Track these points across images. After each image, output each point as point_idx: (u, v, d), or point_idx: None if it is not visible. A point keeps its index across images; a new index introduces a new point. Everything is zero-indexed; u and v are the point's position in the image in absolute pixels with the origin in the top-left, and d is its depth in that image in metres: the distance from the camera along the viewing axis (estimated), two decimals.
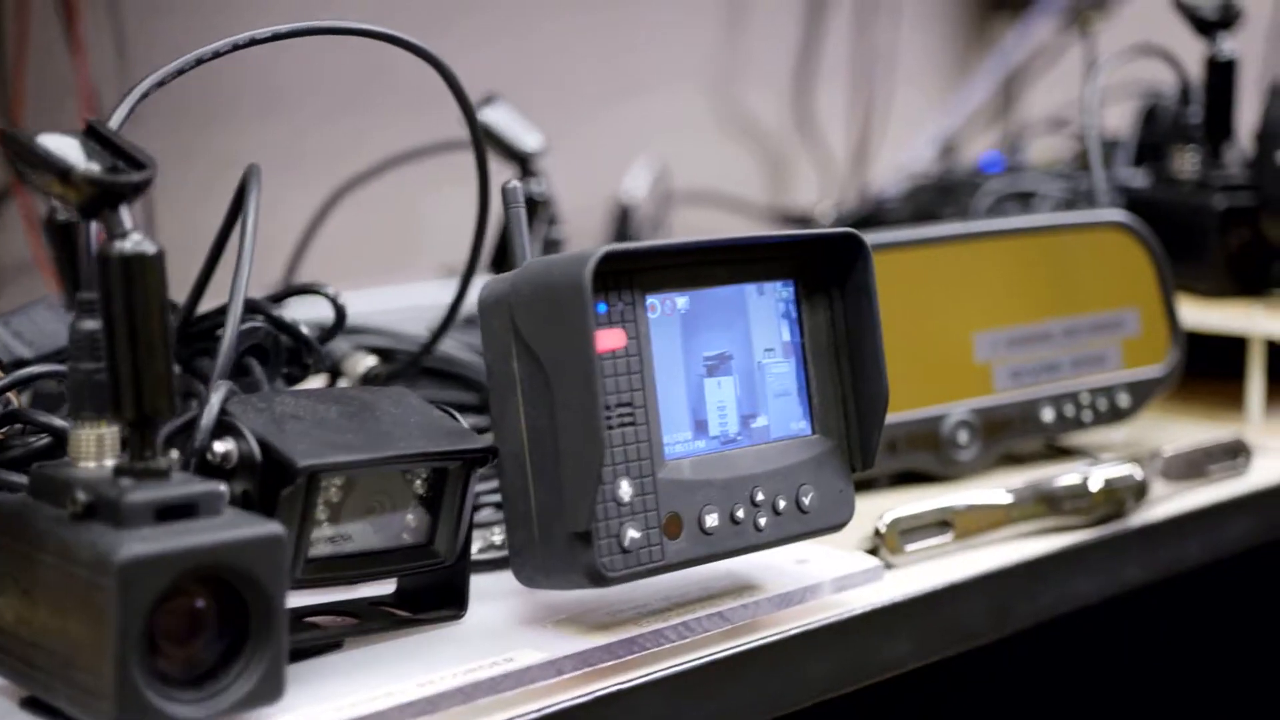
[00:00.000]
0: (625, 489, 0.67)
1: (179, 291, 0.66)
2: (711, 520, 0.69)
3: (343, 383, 0.88)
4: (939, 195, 1.31)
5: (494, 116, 1.05)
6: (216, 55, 0.71)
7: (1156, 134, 1.33)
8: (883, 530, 0.84)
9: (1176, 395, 1.21)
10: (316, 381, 0.86)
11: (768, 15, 1.85)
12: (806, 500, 0.73)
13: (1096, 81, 1.20)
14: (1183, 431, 1.12)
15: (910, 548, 0.85)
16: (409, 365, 0.88)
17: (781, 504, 0.72)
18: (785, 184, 1.90)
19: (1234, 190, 1.17)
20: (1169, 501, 0.97)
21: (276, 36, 0.73)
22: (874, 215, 1.36)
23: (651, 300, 0.69)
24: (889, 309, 0.91)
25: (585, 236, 1.65)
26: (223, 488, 0.57)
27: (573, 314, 0.64)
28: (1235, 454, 1.03)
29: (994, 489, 0.90)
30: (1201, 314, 1.14)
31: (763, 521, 0.71)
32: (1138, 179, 1.29)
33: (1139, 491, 0.93)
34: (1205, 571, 1.01)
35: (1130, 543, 0.93)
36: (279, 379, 0.75)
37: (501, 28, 1.61)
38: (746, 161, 1.87)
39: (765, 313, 0.74)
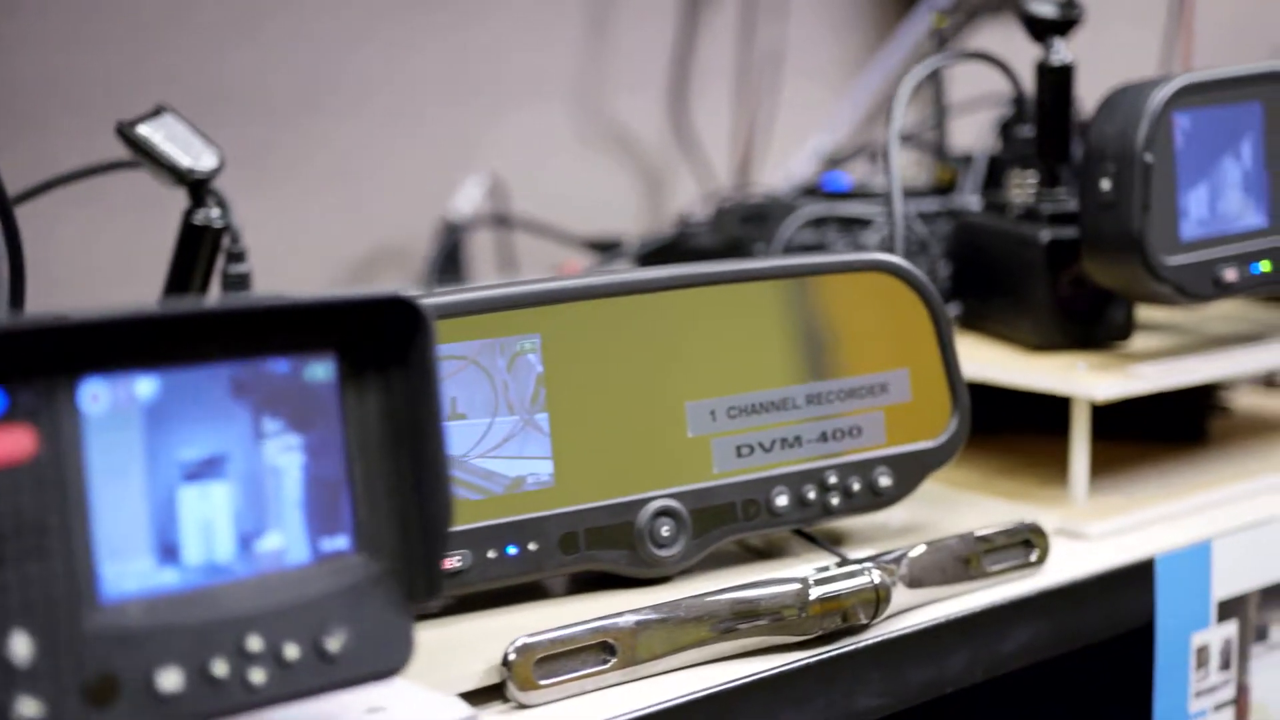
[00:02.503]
0: (21, 646, 0.50)
1: None
2: (170, 681, 0.52)
3: None
4: (747, 221, 1.13)
5: (156, 132, 0.88)
6: None
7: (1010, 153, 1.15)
8: (512, 659, 0.67)
9: (1005, 465, 1.04)
10: None
11: (638, 15, 1.67)
12: (333, 643, 0.56)
13: (905, 90, 1.03)
14: (993, 512, 0.95)
15: (550, 681, 0.68)
16: None
17: (291, 651, 0.55)
18: (664, 200, 1.73)
19: (1065, 221, 1.00)
20: (929, 609, 0.80)
21: None
22: (677, 244, 1.18)
23: (92, 386, 0.52)
24: (571, 372, 0.75)
25: (413, 260, 1.49)
26: None
27: None
28: (1027, 546, 0.85)
29: (680, 598, 0.72)
30: (1015, 370, 0.96)
31: (258, 677, 0.54)
32: (976, 207, 1.12)
33: (875, 600, 0.76)
34: (981, 691, 0.83)
35: (863, 664, 0.76)
36: None
37: (324, 28, 1.45)
38: (618, 176, 1.70)
39: (290, 397, 0.57)
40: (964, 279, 1.07)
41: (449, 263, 1.45)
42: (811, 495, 0.81)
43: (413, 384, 0.57)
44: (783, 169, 1.64)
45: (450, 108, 1.54)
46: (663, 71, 1.69)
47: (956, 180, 1.20)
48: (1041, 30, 1.01)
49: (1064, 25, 1.01)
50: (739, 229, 1.13)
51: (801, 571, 0.76)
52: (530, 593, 0.77)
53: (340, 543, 0.57)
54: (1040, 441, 1.04)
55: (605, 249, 1.30)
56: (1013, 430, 1.10)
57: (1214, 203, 0.96)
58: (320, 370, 0.57)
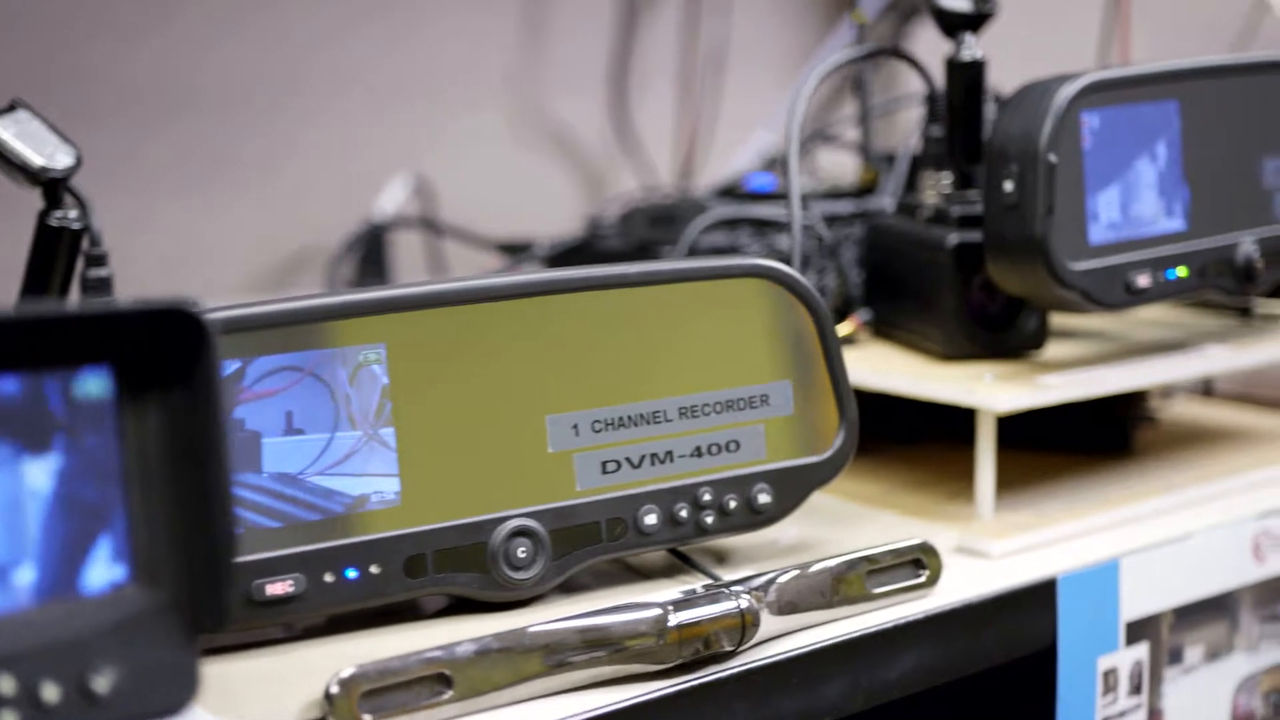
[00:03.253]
0: None
1: None
2: None
3: None
4: (655, 223, 1.09)
5: (7, 129, 0.84)
6: None
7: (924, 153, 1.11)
8: (335, 693, 0.63)
9: (917, 477, 1.00)
10: None
11: (577, 10, 1.63)
12: (101, 682, 0.52)
13: (808, 87, 0.99)
14: (893, 528, 0.91)
15: (377, 717, 0.64)
16: None
17: (50, 693, 0.51)
18: (606, 201, 1.69)
19: (976, 225, 0.95)
20: (805, 635, 0.76)
21: None
22: (586, 246, 1.14)
23: None
24: (420, 385, 0.71)
25: (333, 259, 1.44)
26: None
27: None
28: (917, 566, 0.81)
29: (525, 626, 0.68)
30: (918, 381, 0.92)
31: None
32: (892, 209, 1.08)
33: (741, 627, 0.72)
34: (871, 718, 0.79)
35: (728, 694, 0.72)
36: None
37: (246, 23, 1.41)
38: (558, 177, 1.66)
39: (37, 416, 0.52)
40: (875, 285, 1.03)
41: (372, 265, 1.41)
42: (684, 514, 0.77)
43: (194, 402, 0.53)
44: (726, 167, 1.60)
45: (379, 106, 1.50)
46: (602, 69, 1.65)
47: (879, 181, 1.16)
48: (952, 25, 0.97)
49: (976, 20, 0.97)
50: (648, 231, 1.09)
51: (666, 595, 0.72)
52: (388, 617, 0.73)
53: (114, 573, 0.53)
54: (960, 452, 1.00)
55: (516, 251, 1.25)
56: (933, 440, 1.06)
57: (1127, 205, 0.92)
58: (93, 386, 0.53)
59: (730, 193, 1.21)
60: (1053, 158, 0.87)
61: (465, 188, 1.56)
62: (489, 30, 1.59)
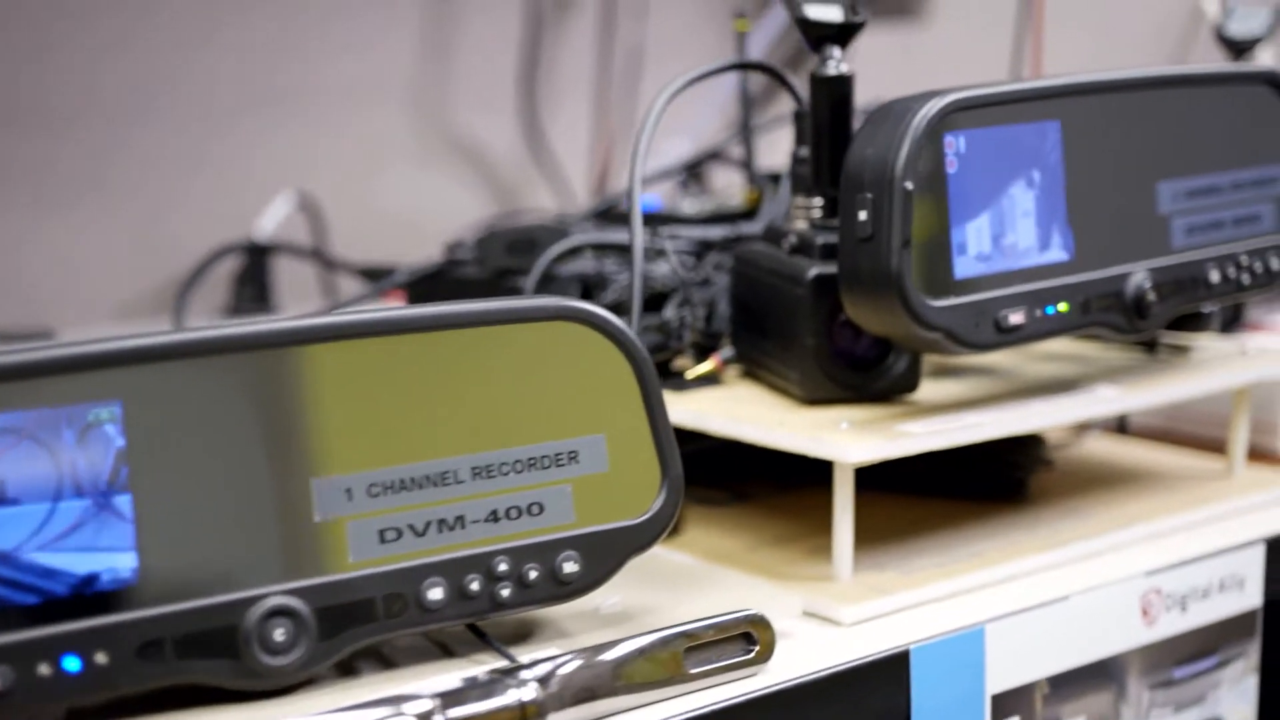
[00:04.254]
0: None
1: None
2: None
3: None
4: (513, 249, 1.01)
5: None
6: None
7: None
8: None
9: (784, 530, 0.92)
10: None
11: (483, 14, 1.55)
12: None
13: (660, 103, 0.91)
14: (739, 592, 0.83)
15: None
16: None
17: None
18: (520, 218, 1.61)
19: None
20: None
21: None
22: (444, 273, 1.06)
23: None
24: (163, 446, 0.63)
25: (218, 288, 1.36)
26: None
27: None
28: (747, 641, 0.73)
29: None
30: (767, 428, 0.84)
31: None
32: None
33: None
34: None
35: None
36: None
37: (118, 29, 1.33)
38: (465, 193, 1.58)
39: None
40: (740, 319, 0.95)
41: (251, 289, 1.33)
42: (475, 586, 0.69)
43: None
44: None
45: (262, 117, 1.42)
46: (511, 76, 1.57)
47: (762, 203, 1.08)
48: (818, 37, 0.89)
49: (844, 32, 0.89)
50: (505, 258, 1.01)
51: (448, 680, 0.64)
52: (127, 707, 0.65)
53: None
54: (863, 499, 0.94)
55: (376, 277, 1.18)
56: (818, 484, 0.98)
57: (999, 236, 0.84)
58: None
59: (609, 214, 1.14)
60: (909, 185, 0.79)
61: (363, 205, 1.48)
62: (389, 38, 1.51)
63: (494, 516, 0.70)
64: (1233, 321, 1.21)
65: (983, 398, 0.90)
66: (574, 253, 0.97)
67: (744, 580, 0.84)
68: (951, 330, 0.81)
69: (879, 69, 1.80)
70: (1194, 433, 1.17)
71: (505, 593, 0.69)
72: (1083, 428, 1.15)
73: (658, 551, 0.87)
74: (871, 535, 0.90)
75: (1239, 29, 1.23)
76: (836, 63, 0.89)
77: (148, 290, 1.38)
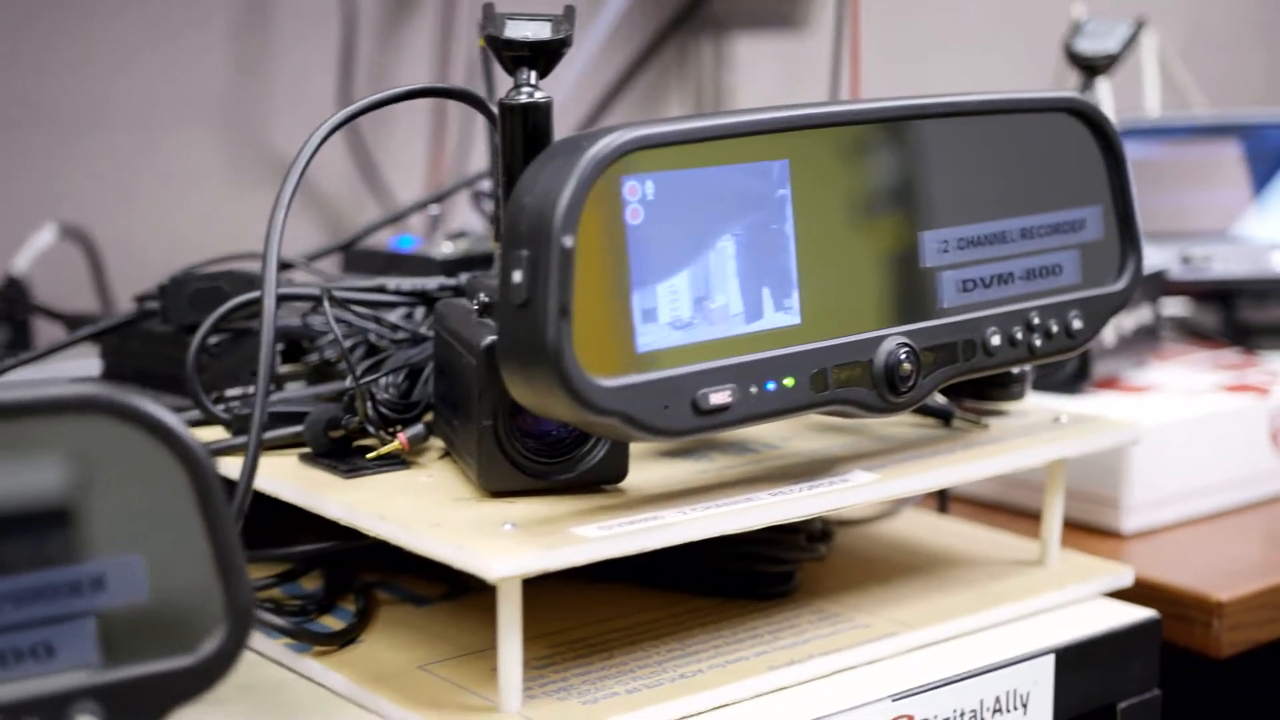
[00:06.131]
0: None
1: None
2: None
3: None
4: (197, 302, 0.87)
5: None
6: None
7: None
8: None
9: (471, 642, 0.78)
10: None
11: (304, 23, 1.42)
12: None
13: (315, 140, 0.77)
14: None
15: None
16: None
17: None
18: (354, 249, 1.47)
19: None
20: None
21: None
22: (135, 326, 0.92)
23: None
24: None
25: None
26: None
27: None
28: None
29: None
30: (412, 527, 0.70)
31: None
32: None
33: None
34: None
35: None
36: None
37: None
38: (289, 220, 1.44)
39: None
40: (438, 389, 0.81)
41: (9, 327, 1.19)
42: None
43: None
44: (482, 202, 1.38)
45: (35, 139, 1.28)
46: (331, 93, 1.43)
47: None
48: (514, 59, 0.75)
49: (541, 52, 0.75)
50: (189, 311, 0.87)
51: None
52: None
53: None
54: (612, 592, 0.81)
55: (78, 324, 1.04)
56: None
57: (704, 299, 0.70)
58: None
59: (350, 251, 1.00)
60: (568, 241, 0.65)
61: (153, 236, 1.35)
62: (196, 52, 1.37)
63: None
64: (1078, 378, 1.08)
65: (704, 485, 0.76)
66: (252, 305, 0.84)
67: (391, 709, 0.70)
68: (630, 415, 0.67)
69: (763, 82, 1.68)
70: (1030, 505, 1.03)
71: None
72: (899, 501, 1.01)
73: (312, 667, 0.73)
74: (580, 645, 0.77)
75: (1090, 46, 1.10)
76: (531, 89, 0.75)
77: None
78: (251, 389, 0.87)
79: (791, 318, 0.72)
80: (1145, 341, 1.16)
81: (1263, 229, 1.26)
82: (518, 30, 0.75)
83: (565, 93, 1.47)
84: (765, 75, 1.65)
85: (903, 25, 1.74)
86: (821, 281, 0.73)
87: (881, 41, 1.51)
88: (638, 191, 0.68)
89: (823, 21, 1.56)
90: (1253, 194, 1.26)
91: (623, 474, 0.75)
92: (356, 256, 1.03)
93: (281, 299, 0.84)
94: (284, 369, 0.87)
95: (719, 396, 0.69)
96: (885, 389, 0.75)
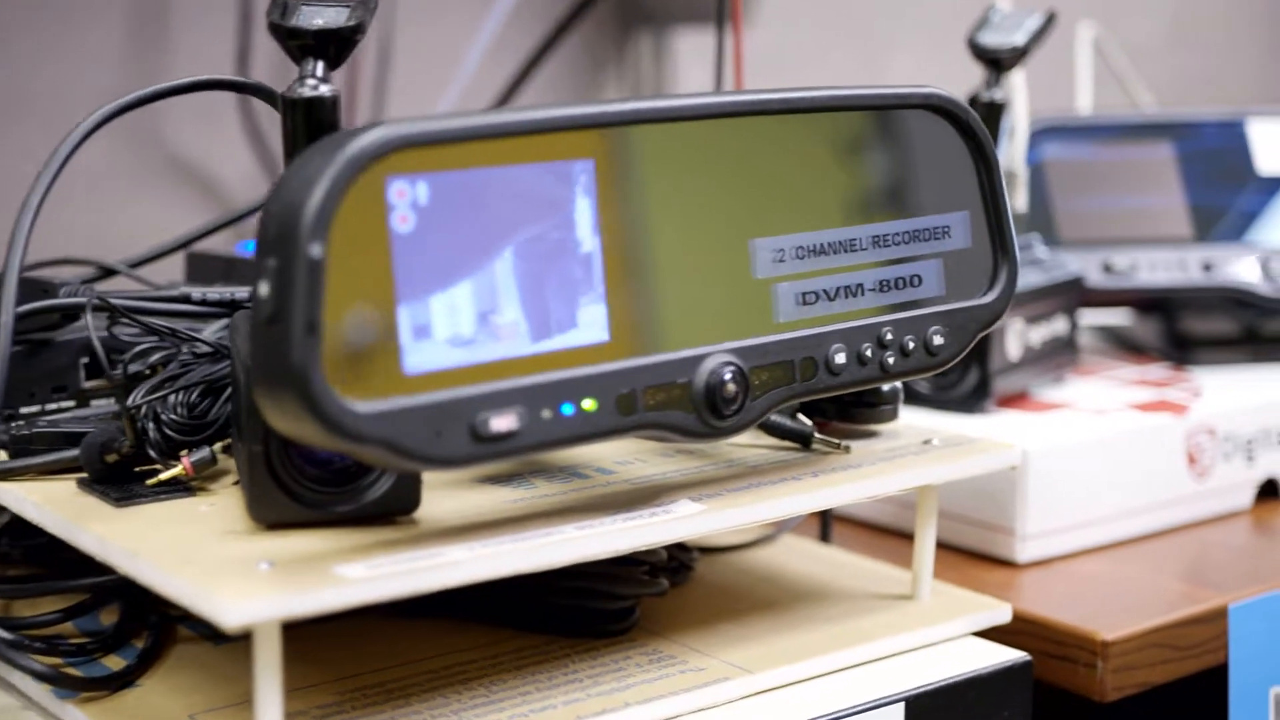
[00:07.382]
0: None
1: None
2: None
3: None
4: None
5: None
6: None
7: None
8: None
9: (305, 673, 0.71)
10: None
11: (201, 10, 1.35)
12: None
13: (71, 140, 0.70)
14: None
15: None
16: None
17: None
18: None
19: None
20: None
21: None
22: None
23: None
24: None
25: None
26: None
27: None
28: None
29: None
30: (159, 564, 0.63)
31: None
32: None
33: None
34: None
35: None
36: None
37: None
38: (190, 222, 1.37)
39: None
40: (234, 409, 0.74)
41: None
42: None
43: None
44: None
45: None
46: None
47: None
48: (300, 49, 0.69)
49: (328, 42, 0.68)
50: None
51: None
52: None
53: None
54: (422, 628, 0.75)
55: None
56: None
57: (489, 313, 0.63)
58: None
59: (191, 255, 0.94)
60: (315, 250, 0.58)
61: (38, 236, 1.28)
62: (83, 42, 1.31)
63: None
64: (976, 396, 1.00)
65: (510, 517, 0.69)
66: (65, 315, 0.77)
67: None
68: (394, 442, 0.60)
69: (699, 75, 1.61)
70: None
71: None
72: (778, 524, 0.93)
73: (74, 715, 0.67)
74: (375, 691, 0.70)
75: (994, 39, 1.02)
76: (317, 82, 0.68)
77: None
78: (49, 405, 0.81)
79: (597, 334, 0.65)
80: (1060, 355, 1.08)
81: (1192, 234, 1.18)
82: (307, 18, 0.68)
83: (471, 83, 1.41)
84: (704, 70, 1.58)
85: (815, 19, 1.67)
86: (634, 294, 0.66)
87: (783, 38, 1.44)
88: (407, 194, 0.61)
89: (764, 16, 1.50)
90: (1184, 198, 1.19)
91: (414, 505, 0.68)
92: (198, 261, 0.97)
93: (38, 311, 0.77)
94: (89, 384, 0.81)
95: (502, 422, 0.62)
96: (707, 412, 0.68)
